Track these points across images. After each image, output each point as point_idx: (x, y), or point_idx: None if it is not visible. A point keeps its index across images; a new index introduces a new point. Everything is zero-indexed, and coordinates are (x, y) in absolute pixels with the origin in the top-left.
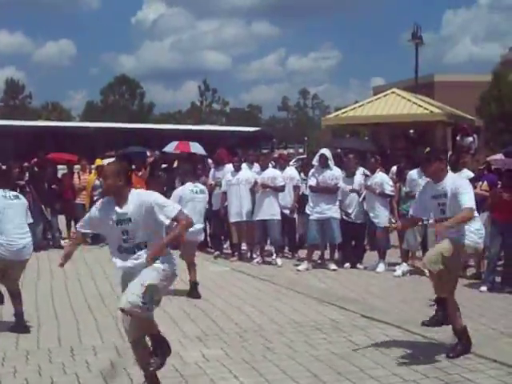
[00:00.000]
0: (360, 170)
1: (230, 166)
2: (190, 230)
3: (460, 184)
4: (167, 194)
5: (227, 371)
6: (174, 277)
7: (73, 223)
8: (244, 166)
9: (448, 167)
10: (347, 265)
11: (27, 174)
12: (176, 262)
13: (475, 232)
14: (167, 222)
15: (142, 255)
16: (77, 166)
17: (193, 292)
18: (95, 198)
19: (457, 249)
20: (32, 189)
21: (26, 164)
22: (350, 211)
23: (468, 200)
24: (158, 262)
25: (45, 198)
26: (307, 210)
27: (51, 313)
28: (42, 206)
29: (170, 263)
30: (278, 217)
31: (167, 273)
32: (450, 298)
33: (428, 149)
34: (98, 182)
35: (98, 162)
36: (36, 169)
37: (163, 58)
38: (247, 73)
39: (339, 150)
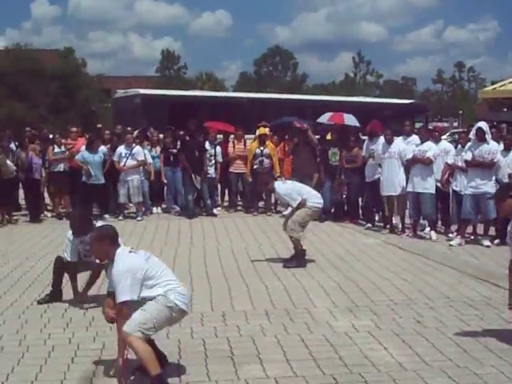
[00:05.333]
0: None
1: (382, 138)
2: None
3: None
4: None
5: (377, 342)
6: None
7: (226, 191)
8: (399, 138)
9: None
10: (497, 241)
11: (179, 143)
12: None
13: None
14: None
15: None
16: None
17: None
18: (255, 167)
19: None
20: (183, 157)
21: (181, 132)
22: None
23: None
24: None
25: (194, 166)
26: (453, 186)
27: (204, 278)
28: (192, 175)
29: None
30: (432, 190)
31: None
32: None
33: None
34: (258, 151)
35: (261, 130)
36: (187, 138)
37: (318, 29)
38: (402, 44)
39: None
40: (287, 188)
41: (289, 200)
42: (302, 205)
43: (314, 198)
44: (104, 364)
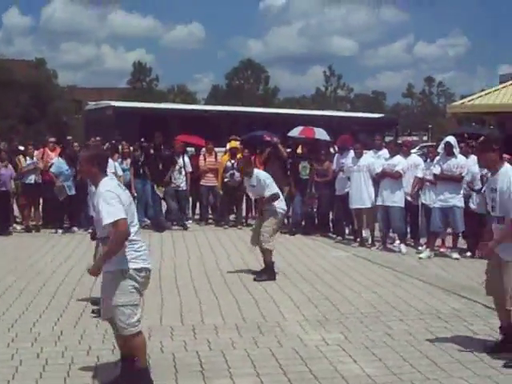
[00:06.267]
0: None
1: (352, 152)
2: None
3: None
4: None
5: (347, 355)
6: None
7: (197, 204)
8: (369, 152)
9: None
10: (468, 254)
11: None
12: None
13: None
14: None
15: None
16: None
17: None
18: (225, 180)
19: None
20: (146, 169)
21: (145, 145)
22: (471, 200)
23: None
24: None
25: (156, 178)
26: (422, 200)
27: (174, 291)
28: (155, 186)
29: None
30: (401, 204)
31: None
32: None
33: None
34: (229, 164)
35: (233, 144)
36: (152, 151)
37: (290, 43)
38: (373, 59)
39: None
40: (266, 176)
41: (264, 187)
42: (274, 198)
43: (281, 203)
44: (73, 379)
